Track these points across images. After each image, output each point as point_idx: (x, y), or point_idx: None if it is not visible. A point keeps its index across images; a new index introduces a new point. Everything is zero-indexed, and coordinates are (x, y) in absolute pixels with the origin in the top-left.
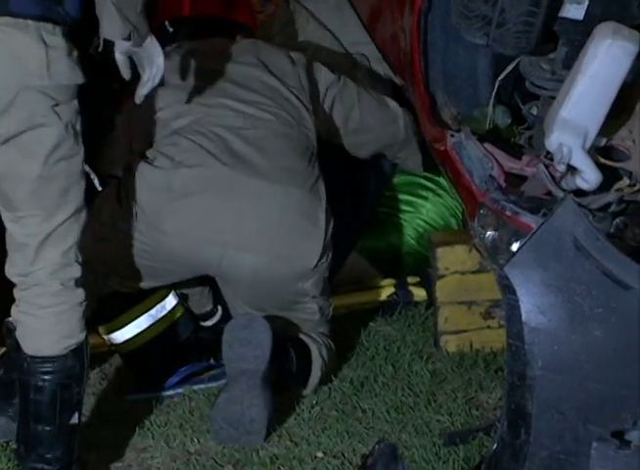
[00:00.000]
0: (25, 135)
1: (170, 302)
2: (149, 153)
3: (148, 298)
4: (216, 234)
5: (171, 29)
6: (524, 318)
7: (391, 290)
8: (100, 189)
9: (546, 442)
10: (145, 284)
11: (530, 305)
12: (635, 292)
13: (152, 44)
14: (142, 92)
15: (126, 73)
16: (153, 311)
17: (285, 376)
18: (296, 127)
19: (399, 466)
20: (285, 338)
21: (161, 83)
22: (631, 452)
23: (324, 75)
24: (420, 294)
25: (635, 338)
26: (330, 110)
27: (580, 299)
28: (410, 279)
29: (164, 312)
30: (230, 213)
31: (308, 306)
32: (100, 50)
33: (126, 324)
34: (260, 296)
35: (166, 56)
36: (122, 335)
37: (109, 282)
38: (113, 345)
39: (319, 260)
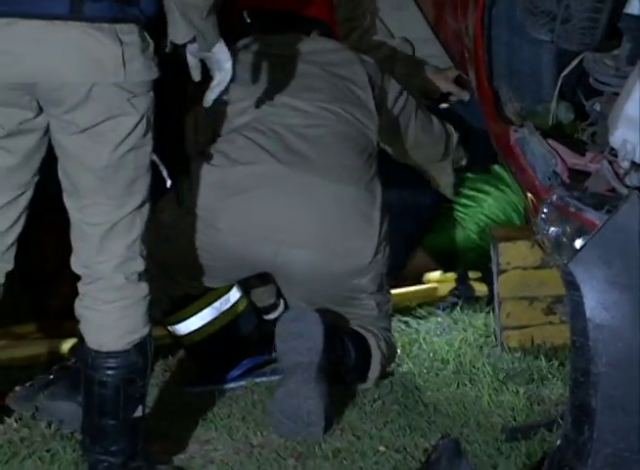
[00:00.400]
0: (102, 125)
1: (234, 295)
2: (208, 150)
3: (212, 290)
4: (270, 231)
5: (249, 20)
6: (588, 315)
7: (452, 285)
8: (169, 182)
9: (610, 439)
10: (209, 284)
11: (594, 302)
12: None
13: (221, 50)
14: (210, 96)
15: (196, 76)
16: (217, 304)
17: (342, 369)
18: (355, 127)
19: (463, 461)
20: (341, 330)
21: (232, 81)
22: None
23: (392, 85)
24: (481, 289)
25: None
26: (392, 119)
27: None
28: (471, 274)
29: (228, 305)
30: (284, 210)
31: (365, 303)
32: (169, 51)
33: (191, 316)
34: (316, 292)
35: (239, 50)
36: (187, 327)
37: (177, 284)
38: (176, 336)
39: (374, 257)
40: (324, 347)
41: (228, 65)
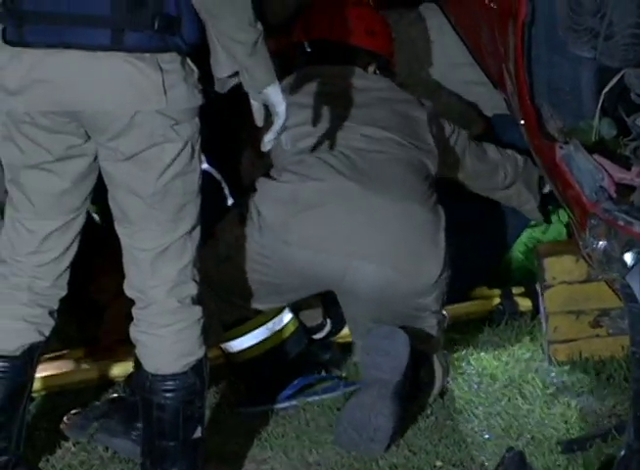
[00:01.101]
0: (147, 152)
1: (286, 316)
2: (273, 171)
3: (265, 312)
4: (341, 245)
5: (309, 50)
6: None
7: (497, 300)
8: (230, 200)
9: None
10: (266, 304)
11: None
12: None
13: (273, 92)
14: (266, 138)
15: (258, 120)
16: (270, 324)
17: (414, 388)
18: (416, 156)
19: None
20: (416, 353)
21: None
22: None
23: (445, 126)
24: (525, 304)
25: None
26: (449, 156)
27: None
28: (515, 290)
29: (280, 326)
30: (355, 227)
31: (428, 321)
32: (218, 89)
33: (244, 334)
34: (381, 309)
35: (300, 78)
36: (240, 344)
37: (232, 307)
38: (228, 353)
39: (439, 277)
40: (406, 369)
41: (281, 108)
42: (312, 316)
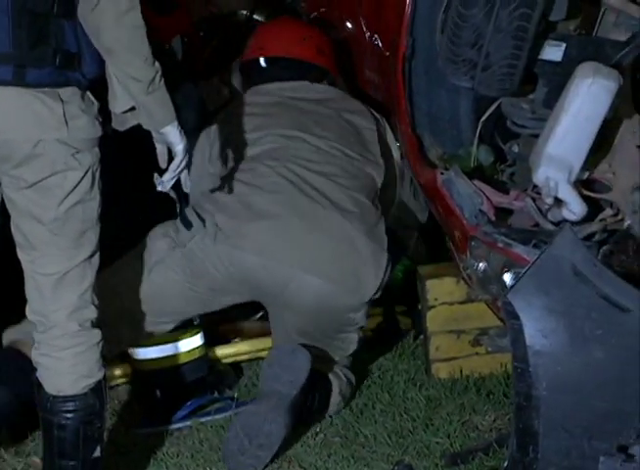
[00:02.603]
0: (49, 180)
1: (197, 341)
2: (222, 181)
3: (181, 329)
4: (291, 257)
5: (264, 65)
6: (527, 342)
7: (379, 318)
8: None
9: (554, 458)
10: (188, 312)
11: (533, 330)
12: (633, 314)
13: (171, 132)
14: (164, 178)
15: (161, 162)
16: (180, 343)
17: (305, 411)
18: (362, 170)
19: None
20: (316, 375)
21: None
22: (637, 465)
23: (394, 140)
24: (405, 322)
25: (634, 357)
26: (390, 172)
27: (581, 322)
28: (397, 308)
29: (188, 348)
30: (305, 240)
31: (351, 336)
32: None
33: (152, 345)
34: (313, 322)
35: (253, 91)
36: (145, 353)
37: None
38: (132, 359)
39: (374, 295)
40: (303, 386)
41: (179, 147)
42: None
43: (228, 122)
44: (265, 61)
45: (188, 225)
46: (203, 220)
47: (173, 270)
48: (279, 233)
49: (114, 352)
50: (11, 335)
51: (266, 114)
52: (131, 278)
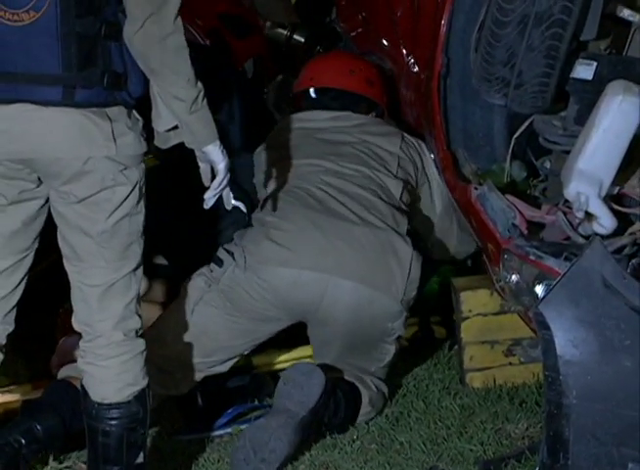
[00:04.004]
0: (98, 195)
1: None
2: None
3: None
4: (321, 264)
5: (314, 96)
6: (558, 352)
7: (415, 328)
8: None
9: (584, 465)
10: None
11: (564, 340)
12: None
13: (214, 151)
14: (208, 195)
15: (205, 180)
16: None
17: (328, 422)
18: (379, 184)
19: None
20: (340, 387)
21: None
22: None
23: (434, 171)
24: (441, 332)
25: None
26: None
27: (610, 332)
28: (432, 318)
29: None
30: (328, 246)
31: (388, 347)
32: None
33: None
34: (354, 334)
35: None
36: None
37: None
38: None
39: (404, 293)
40: (314, 407)
41: (221, 166)
42: None
43: (273, 147)
44: (315, 91)
45: (219, 262)
46: (231, 254)
47: (213, 306)
48: (301, 242)
49: (171, 393)
50: (64, 372)
51: (296, 145)
52: (175, 325)
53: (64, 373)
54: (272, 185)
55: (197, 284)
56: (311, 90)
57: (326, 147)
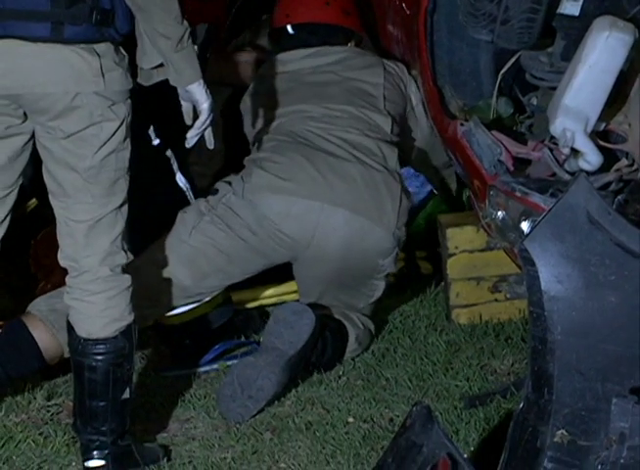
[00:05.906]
0: (86, 131)
1: None
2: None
3: None
4: (315, 191)
5: (292, 32)
6: (543, 287)
7: (401, 263)
8: (178, 175)
9: (568, 400)
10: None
11: (549, 275)
12: None
13: (197, 89)
14: (190, 134)
15: (186, 119)
16: None
17: (314, 362)
18: (368, 121)
19: (434, 425)
20: (327, 326)
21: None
22: None
23: (415, 92)
24: (426, 267)
25: None
26: (410, 121)
27: (595, 268)
28: (418, 253)
29: (210, 296)
30: (320, 178)
31: (377, 283)
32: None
33: None
34: (344, 270)
35: (281, 62)
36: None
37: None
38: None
39: (396, 226)
40: (303, 346)
41: (205, 105)
42: None
43: (259, 94)
44: (292, 28)
45: (214, 192)
46: (229, 183)
47: (211, 228)
48: (294, 172)
49: (149, 321)
50: (31, 306)
51: (282, 91)
52: (169, 248)
53: (30, 308)
54: (262, 132)
55: (194, 211)
56: (289, 27)
57: (310, 90)
